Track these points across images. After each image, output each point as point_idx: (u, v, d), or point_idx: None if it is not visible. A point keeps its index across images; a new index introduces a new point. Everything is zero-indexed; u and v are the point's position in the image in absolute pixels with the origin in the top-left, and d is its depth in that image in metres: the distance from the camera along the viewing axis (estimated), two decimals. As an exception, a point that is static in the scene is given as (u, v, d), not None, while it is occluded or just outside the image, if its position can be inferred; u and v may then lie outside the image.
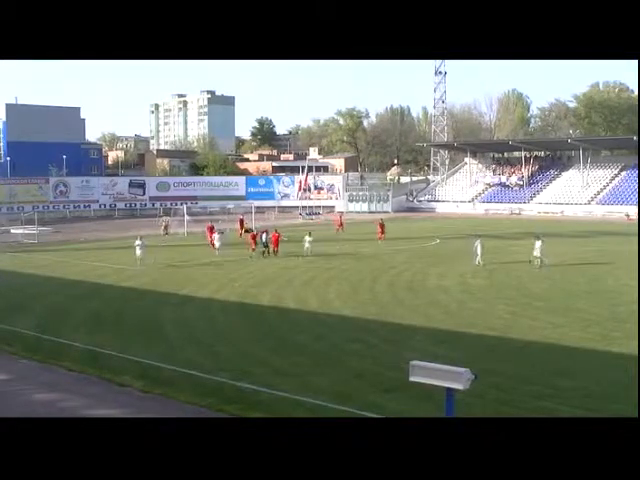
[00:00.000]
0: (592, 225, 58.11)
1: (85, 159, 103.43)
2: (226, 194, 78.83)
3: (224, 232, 45.42)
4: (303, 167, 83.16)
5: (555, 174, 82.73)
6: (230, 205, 65.90)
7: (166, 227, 52.16)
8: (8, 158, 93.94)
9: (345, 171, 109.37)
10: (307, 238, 37.69)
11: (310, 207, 76.02)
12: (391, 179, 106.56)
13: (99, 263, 35.64)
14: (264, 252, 37.48)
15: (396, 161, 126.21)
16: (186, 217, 52.92)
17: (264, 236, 38.19)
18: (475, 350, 17.88)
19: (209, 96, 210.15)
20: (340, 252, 39.53)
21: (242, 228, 48.71)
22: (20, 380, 16.25)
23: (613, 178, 78.26)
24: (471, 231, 51.54)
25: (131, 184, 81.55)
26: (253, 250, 37.65)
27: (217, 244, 38.70)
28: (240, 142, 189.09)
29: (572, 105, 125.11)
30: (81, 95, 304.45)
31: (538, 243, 32.17)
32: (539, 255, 31.88)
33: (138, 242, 34.58)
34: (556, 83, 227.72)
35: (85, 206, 77.40)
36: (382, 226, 45.76)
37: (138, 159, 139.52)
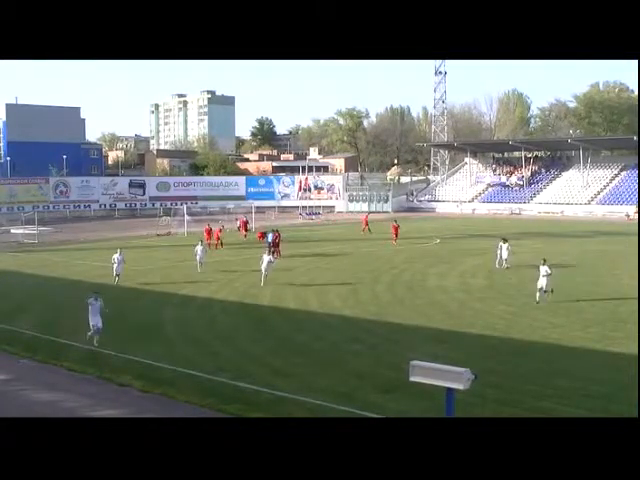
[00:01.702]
0: (592, 225, 58.11)
1: (85, 159, 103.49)
2: (226, 194, 78.85)
3: (224, 229, 45.16)
4: (303, 167, 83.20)
5: (555, 174, 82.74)
6: (230, 205, 65.92)
7: (165, 228, 52.39)
8: (8, 158, 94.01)
9: (345, 171, 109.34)
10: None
11: (310, 207, 76.04)
12: (391, 179, 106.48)
13: (99, 263, 35.60)
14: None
15: (396, 161, 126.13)
16: (186, 217, 52.93)
17: (270, 236, 37.79)
18: (475, 350, 17.88)
19: (209, 96, 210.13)
20: (341, 252, 39.54)
21: (246, 230, 48.40)
22: (20, 380, 16.26)
23: (613, 178, 78.26)
24: (472, 232, 51.58)
25: (131, 184, 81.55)
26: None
27: (199, 257, 32.09)
28: (240, 142, 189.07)
29: (572, 105, 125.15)
30: (81, 95, 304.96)
31: (504, 246, 31.34)
32: (507, 257, 31.14)
33: (117, 256, 29.17)
34: (556, 83, 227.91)
35: (85, 206, 77.40)
36: (396, 228, 44.01)
37: (138, 159, 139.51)
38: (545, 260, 23.99)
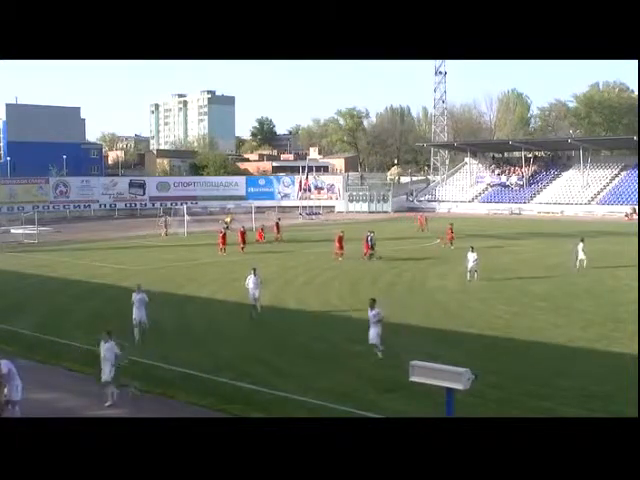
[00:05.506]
0: (592, 225, 58.07)
1: (85, 159, 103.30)
2: (226, 194, 78.85)
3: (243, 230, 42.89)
4: (303, 167, 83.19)
5: (555, 174, 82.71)
6: (230, 205, 65.83)
7: (165, 227, 52.24)
8: (8, 158, 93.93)
9: (345, 171, 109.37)
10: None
11: (310, 207, 76.01)
12: (391, 179, 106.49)
13: (99, 263, 35.61)
14: (372, 255, 35.77)
15: (396, 161, 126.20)
16: (186, 217, 52.89)
17: (370, 238, 36.32)
18: (475, 350, 17.88)
19: (209, 96, 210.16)
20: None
21: (279, 232, 46.37)
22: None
23: (613, 178, 78.24)
24: (471, 232, 51.54)
25: (131, 184, 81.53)
26: (341, 254, 36.00)
27: (253, 291, 22.56)
28: (240, 142, 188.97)
29: (572, 105, 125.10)
30: (81, 95, 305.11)
31: (472, 255, 28.64)
32: (475, 267, 28.59)
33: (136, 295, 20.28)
34: (556, 83, 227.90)
35: (85, 206, 77.37)
36: (451, 229, 41.49)
37: (138, 159, 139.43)
38: (374, 305, 17.56)
